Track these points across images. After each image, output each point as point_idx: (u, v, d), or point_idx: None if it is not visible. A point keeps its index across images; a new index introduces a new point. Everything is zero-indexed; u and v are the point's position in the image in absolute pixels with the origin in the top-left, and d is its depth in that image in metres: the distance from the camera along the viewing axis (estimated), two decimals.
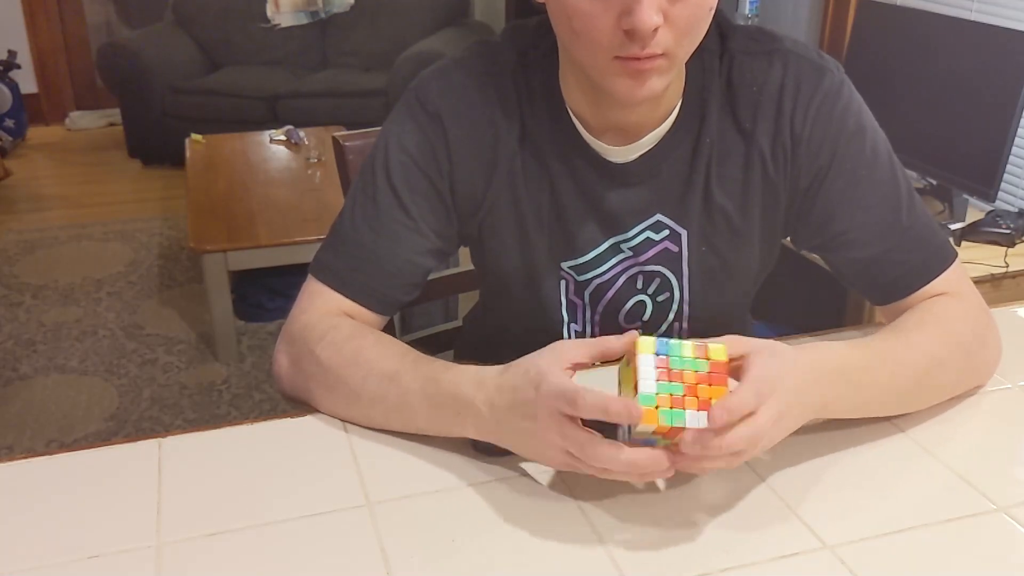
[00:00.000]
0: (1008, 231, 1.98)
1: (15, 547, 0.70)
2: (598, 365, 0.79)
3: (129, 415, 2.43)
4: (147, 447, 0.83)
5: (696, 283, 1.00)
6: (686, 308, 1.01)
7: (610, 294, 1.01)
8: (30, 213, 3.89)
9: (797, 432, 0.84)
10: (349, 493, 0.77)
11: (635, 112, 0.91)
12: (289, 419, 0.88)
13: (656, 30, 0.78)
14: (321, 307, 0.94)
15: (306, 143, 3.43)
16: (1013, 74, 1.87)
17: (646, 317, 1.02)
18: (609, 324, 1.03)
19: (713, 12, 0.82)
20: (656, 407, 0.67)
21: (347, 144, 1.22)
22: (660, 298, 1.01)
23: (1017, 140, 1.96)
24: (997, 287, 1.86)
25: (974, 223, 2.03)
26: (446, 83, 0.95)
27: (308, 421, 0.87)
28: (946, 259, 0.95)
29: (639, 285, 1.01)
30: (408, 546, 0.71)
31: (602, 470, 0.71)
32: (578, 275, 1.00)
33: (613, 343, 0.74)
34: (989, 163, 1.93)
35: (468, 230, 1.00)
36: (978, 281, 1.81)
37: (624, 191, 0.96)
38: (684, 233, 0.97)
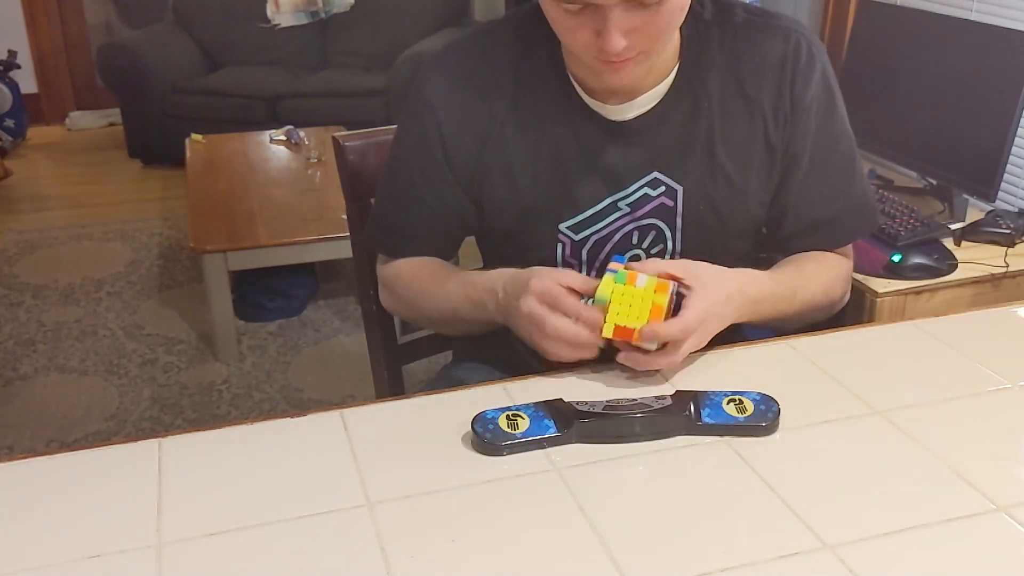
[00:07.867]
0: (1008, 231, 1.98)
1: (15, 547, 0.70)
2: None
3: (129, 415, 2.43)
4: (147, 447, 0.83)
5: (689, 235, 1.07)
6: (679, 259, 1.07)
7: (607, 249, 1.07)
8: (30, 213, 3.88)
9: (797, 431, 0.85)
10: (349, 493, 0.77)
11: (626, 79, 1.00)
12: (289, 419, 0.88)
13: (627, 43, 0.89)
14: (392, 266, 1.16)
15: (306, 143, 3.43)
16: (1013, 74, 1.87)
17: None
18: None
19: (686, 9, 0.92)
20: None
21: (347, 144, 1.22)
22: (654, 251, 1.08)
23: (1017, 140, 1.96)
24: (997, 287, 1.85)
25: (974, 223, 2.02)
26: (438, 69, 1.07)
27: (308, 421, 0.88)
28: (875, 225, 1.16)
29: (634, 240, 1.07)
30: (408, 546, 0.71)
31: (557, 339, 0.90)
32: (575, 234, 1.06)
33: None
34: (989, 163, 1.92)
35: (472, 199, 1.10)
36: (978, 281, 1.81)
37: (623, 148, 1.03)
38: (680, 189, 1.05)
